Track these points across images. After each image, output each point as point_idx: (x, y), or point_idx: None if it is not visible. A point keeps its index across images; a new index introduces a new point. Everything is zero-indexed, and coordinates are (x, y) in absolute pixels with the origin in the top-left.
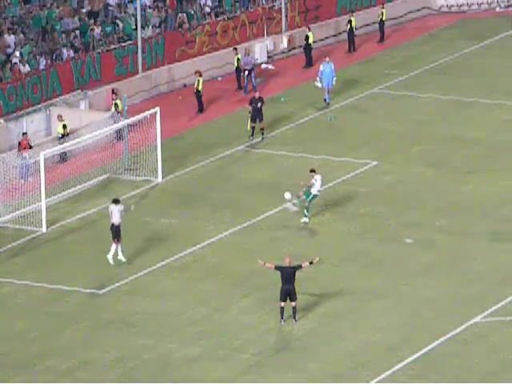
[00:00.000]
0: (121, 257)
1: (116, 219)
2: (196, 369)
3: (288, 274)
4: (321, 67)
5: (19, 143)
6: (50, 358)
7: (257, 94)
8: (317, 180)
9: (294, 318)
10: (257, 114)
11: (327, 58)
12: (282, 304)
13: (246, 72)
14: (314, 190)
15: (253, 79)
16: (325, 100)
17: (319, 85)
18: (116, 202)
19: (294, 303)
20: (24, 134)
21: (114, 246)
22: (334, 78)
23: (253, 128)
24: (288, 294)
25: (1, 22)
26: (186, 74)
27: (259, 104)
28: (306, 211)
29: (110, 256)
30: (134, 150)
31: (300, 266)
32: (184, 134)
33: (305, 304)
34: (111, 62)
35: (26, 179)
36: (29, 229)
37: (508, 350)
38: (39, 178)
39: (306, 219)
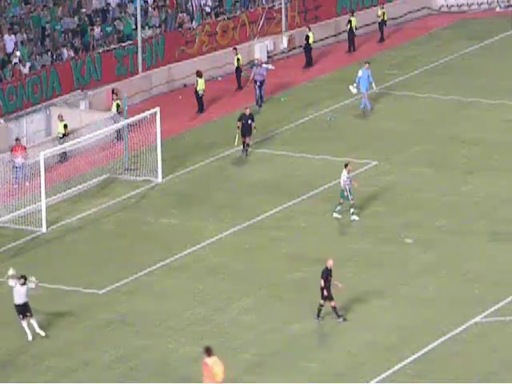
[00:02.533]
0: (39, 330)
1: (20, 299)
2: (196, 369)
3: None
4: (359, 73)
5: (12, 149)
6: (50, 358)
7: (247, 111)
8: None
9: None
10: (246, 130)
11: (366, 65)
12: (322, 302)
13: (258, 83)
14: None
15: (262, 91)
16: (362, 110)
17: (354, 90)
18: (23, 279)
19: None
20: (17, 139)
21: (24, 322)
22: (373, 83)
23: (243, 143)
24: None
25: (1, 22)
26: (185, 74)
27: (249, 121)
28: (338, 207)
29: (29, 337)
30: (134, 150)
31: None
32: (184, 134)
33: (305, 304)
34: (111, 61)
35: (20, 184)
36: (29, 229)
37: (508, 350)
38: (39, 178)
39: (335, 214)
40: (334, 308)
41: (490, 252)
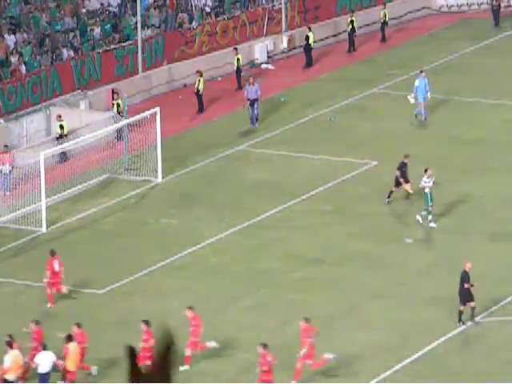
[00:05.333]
0: None
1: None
2: (196, 369)
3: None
4: (416, 82)
5: None
6: None
7: (407, 160)
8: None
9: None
10: (405, 178)
11: (423, 74)
12: (462, 308)
13: (248, 102)
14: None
15: (255, 111)
16: (415, 115)
17: (412, 100)
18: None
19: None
20: (5, 146)
21: None
22: (429, 93)
23: (391, 192)
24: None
25: (1, 22)
26: (186, 74)
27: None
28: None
29: None
30: (134, 150)
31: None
32: (184, 134)
33: (305, 304)
34: (111, 61)
35: (9, 190)
36: (29, 229)
37: (508, 350)
38: (39, 178)
39: (431, 224)
40: (461, 312)
41: (490, 252)
